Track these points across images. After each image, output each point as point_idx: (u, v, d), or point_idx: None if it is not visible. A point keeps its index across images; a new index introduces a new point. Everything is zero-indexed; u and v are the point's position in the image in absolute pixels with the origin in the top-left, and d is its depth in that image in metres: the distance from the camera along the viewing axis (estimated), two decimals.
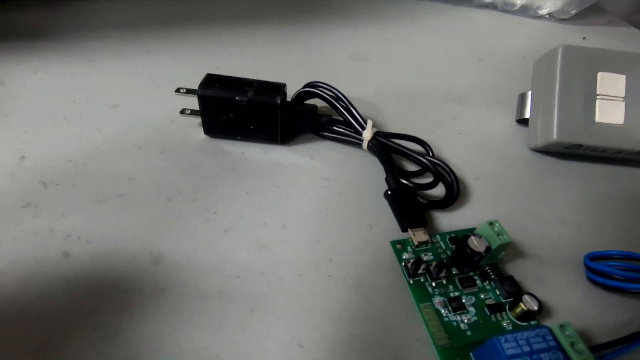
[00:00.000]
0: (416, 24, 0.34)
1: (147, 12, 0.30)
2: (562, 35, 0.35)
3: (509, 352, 0.10)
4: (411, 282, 0.13)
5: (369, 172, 0.19)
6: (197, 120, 0.20)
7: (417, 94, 0.25)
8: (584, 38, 0.35)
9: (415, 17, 0.35)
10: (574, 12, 0.36)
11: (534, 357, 0.10)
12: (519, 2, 0.36)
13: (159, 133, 0.20)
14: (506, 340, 0.10)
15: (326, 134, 0.20)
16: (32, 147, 0.18)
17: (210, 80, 0.18)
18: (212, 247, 0.15)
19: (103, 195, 0.16)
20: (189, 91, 0.19)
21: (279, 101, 0.18)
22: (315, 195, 0.17)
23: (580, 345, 0.11)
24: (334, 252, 0.15)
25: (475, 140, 0.21)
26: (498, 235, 0.13)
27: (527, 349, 0.10)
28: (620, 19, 0.40)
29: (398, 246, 0.14)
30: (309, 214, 0.16)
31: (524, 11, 0.37)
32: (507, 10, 0.37)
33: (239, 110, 0.18)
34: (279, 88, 0.18)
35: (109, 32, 0.27)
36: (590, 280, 0.15)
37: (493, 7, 0.37)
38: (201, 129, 0.20)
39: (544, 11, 0.36)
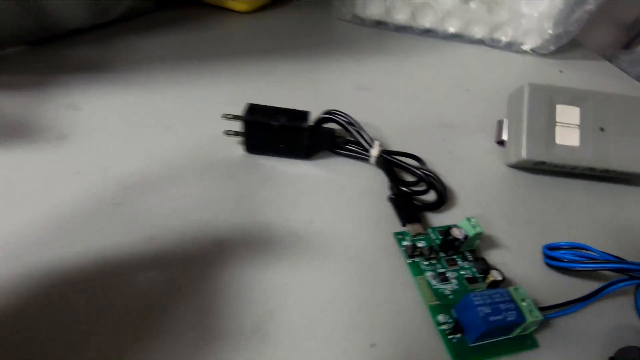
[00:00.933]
0: (413, 58, 0.39)
1: (182, 48, 0.36)
2: (542, 69, 0.41)
3: (477, 302, 0.15)
4: (409, 261, 0.18)
5: (376, 182, 0.23)
6: (236, 139, 0.25)
7: (414, 119, 0.30)
8: (560, 71, 0.41)
9: (412, 52, 0.41)
10: (552, 48, 0.42)
11: (494, 306, 0.15)
12: (504, 38, 0.42)
13: (206, 149, 0.24)
14: (475, 296, 0.15)
15: (341, 151, 0.25)
16: (111, 159, 0.23)
17: (252, 108, 0.23)
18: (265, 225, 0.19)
19: (170, 195, 0.21)
20: (235, 117, 0.24)
21: (306, 125, 0.23)
22: (333, 200, 0.22)
23: (528, 300, 0.15)
24: (349, 240, 0.20)
25: (462, 157, 0.26)
26: (473, 227, 0.18)
27: (489, 301, 0.15)
28: (596, 53, 0.45)
29: (399, 236, 0.19)
30: (328, 213, 0.21)
31: (509, 47, 0.42)
32: (494, 45, 0.43)
33: (274, 132, 0.23)
34: (305, 115, 0.23)
35: (156, 65, 0.32)
36: (547, 264, 0.19)
37: (482, 42, 0.43)
38: (240, 147, 0.25)
39: (526, 47, 0.42)
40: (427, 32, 0.44)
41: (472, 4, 0.40)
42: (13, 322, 0.15)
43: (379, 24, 0.45)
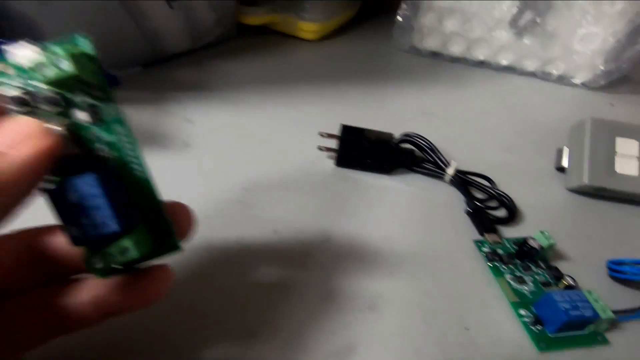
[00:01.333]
0: (468, 87, 0.43)
1: (264, 71, 0.41)
2: (592, 102, 0.43)
3: (557, 298, 0.18)
4: (489, 264, 0.21)
5: (450, 197, 0.27)
6: (326, 154, 0.29)
7: (476, 143, 0.33)
8: (611, 104, 0.43)
9: (467, 81, 0.44)
10: (603, 82, 0.44)
11: (572, 303, 0.17)
12: (555, 72, 0.45)
13: (301, 160, 0.29)
14: (555, 294, 0.18)
15: (417, 169, 0.28)
16: (228, 165, 0.27)
17: (346, 128, 0.27)
18: (360, 229, 0.23)
19: (280, 197, 0.25)
20: (330, 135, 0.28)
21: (391, 145, 0.26)
22: (414, 211, 0.25)
23: (600, 302, 0.18)
24: (434, 245, 0.23)
25: (524, 180, 0.29)
26: (547, 239, 0.21)
27: (567, 299, 0.18)
28: None
29: (479, 243, 0.22)
30: (412, 221, 0.25)
31: (560, 80, 0.45)
32: (545, 78, 0.45)
33: (364, 149, 0.27)
34: (390, 136, 0.27)
35: (246, 86, 0.38)
36: (611, 276, 0.22)
37: (533, 75, 0.46)
38: (329, 161, 0.29)
39: (577, 81, 0.45)
40: (480, 64, 0.47)
41: (526, 40, 0.44)
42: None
43: (435, 55, 0.49)
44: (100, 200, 0.11)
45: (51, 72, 0.11)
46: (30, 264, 0.13)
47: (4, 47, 0.11)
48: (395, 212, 0.25)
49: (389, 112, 0.36)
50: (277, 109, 0.34)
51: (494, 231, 0.23)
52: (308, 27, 0.48)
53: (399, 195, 0.27)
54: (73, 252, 0.13)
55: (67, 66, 0.11)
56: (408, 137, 0.28)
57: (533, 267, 0.21)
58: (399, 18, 0.47)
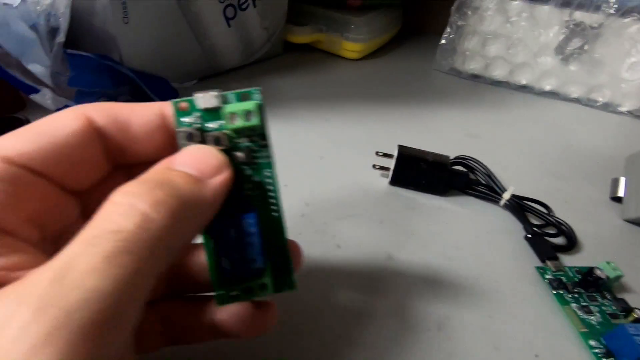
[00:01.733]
0: (512, 111, 0.43)
1: (309, 88, 0.42)
2: (639, 130, 0.43)
3: (632, 332, 0.17)
4: (554, 292, 0.21)
5: (504, 221, 0.27)
6: (379, 172, 0.29)
7: (525, 167, 0.33)
8: None
9: (510, 105, 0.44)
10: None
11: None
12: (601, 99, 0.45)
13: (355, 179, 0.29)
14: (630, 327, 0.18)
15: (471, 192, 0.28)
16: (288, 179, 0.28)
17: (403, 148, 0.28)
18: (420, 249, 0.24)
19: (337, 212, 0.26)
20: (385, 155, 0.29)
21: (448, 168, 0.27)
22: (471, 233, 0.26)
23: None
24: (494, 271, 0.23)
25: (578, 208, 0.29)
26: (614, 270, 0.21)
27: None
28: None
29: (541, 270, 0.22)
30: (469, 244, 0.25)
31: (605, 107, 0.45)
32: (590, 105, 0.45)
33: (419, 170, 0.27)
34: (446, 158, 0.28)
35: (295, 102, 0.39)
36: None
37: (577, 101, 0.46)
38: (382, 180, 0.29)
39: (624, 108, 0.44)
40: (522, 88, 0.47)
41: (572, 67, 0.44)
42: None
43: (475, 77, 0.49)
44: (255, 239, 0.12)
45: (239, 122, 0.12)
46: (169, 277, 0.14)
47: (195, 94, 0.13)
48: (453, 233, 0.25)
49: (433, 132, 0.37)
50: (326, 126, 0.35)
51: (556, 258, 0.23)
52: (352, 47, 0.50)
53: (454, 217, 0.27)
54: (202, 273, 0.14)
55: (255, 120, 0.12)
56: (462, 160, 0.29)
57: (599, 298, 0.21)
58: (443, 41, 0.48)
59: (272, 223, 0.13)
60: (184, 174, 0.11)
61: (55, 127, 0.11)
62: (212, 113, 0.13)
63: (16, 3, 0.23)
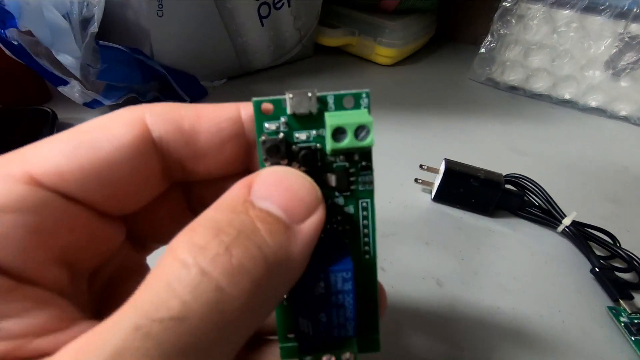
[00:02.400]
0: (557, 127, 0.40)
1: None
2: None
3: None
4: (632, 338, 0.18)
5: (564, 249, 0.24)
6: (420, 187, 0.27)
7: (579, 189, 0.30)
8: None
9: (553, 120, 0.42)
10: None
11: None
12: None
13: (395, 192, 0.27)
14: None
15: (524, 214, 0.26)
16: None
17: (451, 163, 0.26)
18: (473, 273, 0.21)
19: (380, 229, 0.23)
20: (429, 169, 0.26)
21: (502, 187, 0.24)
22: (527, 261, 0.23)
23: None
24: (559, 308, 0.20)
25: None
26: None
27: None
28: None
29: (613, 311, 0.20)
30: (526, 274, 0.22)
31: None
32: (639, 124, 0.42)
33: (469, 187, 0.25)
34: (500, 177, 0.25)
35: None
36: None
37: (626, 119, 0.43)
38: (425, 195, 0.27)
39: None
40: (565, 102, 0.44)
41: (623, 82, 0.41)
42: None
43: (513, 89, 0.47)
44: (349, 299, 0.09)
45: (346, 140, 0.09)
46: None
47: (286, 92, 0.10)
48: (507, 260, 0.23)
49: (474, 145, 0.34)
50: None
51: (631, 297, 0.20)
52: (385, 52, 0.47)
53: (506, 241, 0.24)
54: (269, 323, 0.11)
55: (369, 139, 0.09)
56: (514, 179, 0.26)
57: None
58: (483, 50, 0.46)
59: (364, 271, 0.10)
60: (270, 217, 0.08)
61: (102, 137, 0.09)
62: (304, 119, 0.10)
63: None
